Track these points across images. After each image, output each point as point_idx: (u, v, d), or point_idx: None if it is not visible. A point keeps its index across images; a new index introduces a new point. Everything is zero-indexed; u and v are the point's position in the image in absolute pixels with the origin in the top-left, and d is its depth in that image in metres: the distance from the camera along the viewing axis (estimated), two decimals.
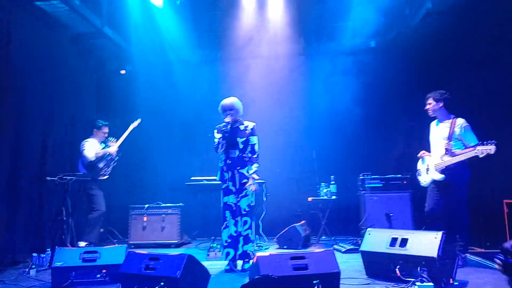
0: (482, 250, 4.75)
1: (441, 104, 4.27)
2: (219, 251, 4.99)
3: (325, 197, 5.83)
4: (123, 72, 7.09)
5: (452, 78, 5.88)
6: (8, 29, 4.72)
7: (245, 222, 4.18)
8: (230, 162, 4.17)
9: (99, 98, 6.77)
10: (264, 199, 5.76)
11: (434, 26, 5.89)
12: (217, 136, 4.19)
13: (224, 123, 4.21)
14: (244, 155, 4.19)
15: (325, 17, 6.69)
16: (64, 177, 4.92)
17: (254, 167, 4.22)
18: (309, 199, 5.88)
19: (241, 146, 4.17)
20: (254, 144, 4.23)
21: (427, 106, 4.35)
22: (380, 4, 6.29)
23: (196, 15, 6.83)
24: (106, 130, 5.59)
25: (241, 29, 6.91)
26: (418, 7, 5.90)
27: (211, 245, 5.17)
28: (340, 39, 6.81)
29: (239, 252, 4.17)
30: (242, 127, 4.26)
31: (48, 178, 4.97)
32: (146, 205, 6.01)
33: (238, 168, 4.17)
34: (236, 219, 4.17)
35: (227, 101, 4.24)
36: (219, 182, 4.36)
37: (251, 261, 4.08)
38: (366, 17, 6.44)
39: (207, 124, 6.03)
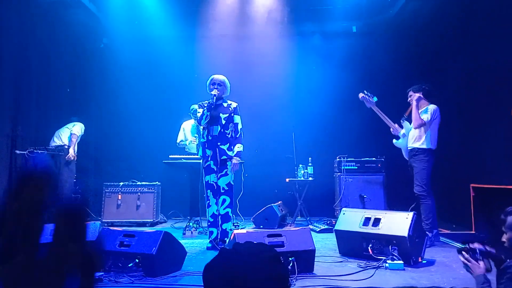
0: (449, 231, 4.97)
1: (420, 94, 4.54)
2: (195, 230, 5.06)
3: (302, 179, 5.92)
4: (102, 45, 6.98)
5: (432, 65, 6.05)
6: None
7: (224, 201, 4.21)
8: (211, 138, 4.16)
9: (74, 72, 6.63)
10: (242, 179, 5.77)
11: (415, 11, 6.00)
12: (200, 111, 4.20)
13: (208, 101, 4.22)
14: (226, 131, 4.20)
15: None
16: (34, 151, 4.85)
17: (238, 147, 4.24)
18: (287, 180, 5.95)
19: (223, 122, 4.18)
20: (237, 123, 4.26)
21: (409, 99, 4.63)
22: None
23: None
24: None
25: (223, 6, 6.86)
26: None
27: (187, 223, 5.23)
28: (322, 21, 6.86)
29: (219, 231, 4.21)
30: (225, 105, 4.27)
31: (17, 151, 4.88)
32: (121, 183, 5.97)
33: (219, 143, 4.17)
34: (216, 197, 4.21)
35: (219, 76, 4.26)
36: (198, 161, 4.37)
37: (226, 240, 4.15)
38: (349, 1, 6.52)
39: (184, 102, 6.11)
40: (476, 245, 2.14)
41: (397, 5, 6.27)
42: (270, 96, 6.94)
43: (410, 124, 4.62)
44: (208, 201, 4.21)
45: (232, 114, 4.25)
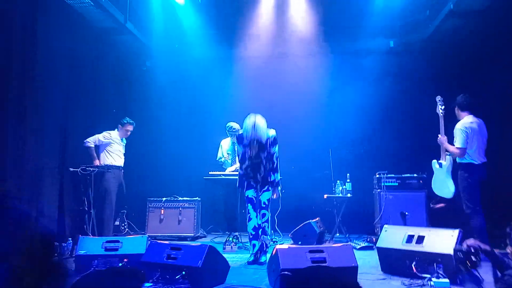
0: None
1: (456, 108, 4.63)
2: (235, 245, 5.15)
3: (340, 195, 5.92)
4: (144, 68, 7.31)
5: (472, 80, 5.96)
6: (33, 23, 4.83)
7: (263, 215, 4.32)
8: (252, 167, 4.32)
9: (119, 93, 6.98)
10: (280, 195, 5.77)
11: (455, 27, 5.96)
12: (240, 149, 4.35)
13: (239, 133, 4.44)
14: (265, 162, 4.32)
15: (345, 16, 6.78)
16: (87, 169, 5.12)
17: (277, 176, 4.38)
18: (325, 196, 5.98)
19: (264, 153, 4.30)
20: (275, 152, 4.37)
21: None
22: (400, 4, 6.38)
23: (216, 12, 6.95)
24: (129, 127, 5.82)
25: (260, 27, 7.03)
26: (439, 9, 5.97)
27: (227, 238, 5.33)
28: (358, 38, 6.90)
29: (259, 243, 4.32)
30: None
31: (71, 169, 5.17)
32: (164, 198, 6.18)
33: (260, 171, 4.34)
34: (257, 211, 4.34)
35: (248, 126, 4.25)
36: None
37: (268, 255, 4.20)
38: (386, 17, 6.55)
39: (222, 120, 6.26)
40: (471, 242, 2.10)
41: (434, 23, 6.24)
42: (306, 113, 7.01)
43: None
44: (248, 215, 4.33)
45: (272, 146, 4.33)
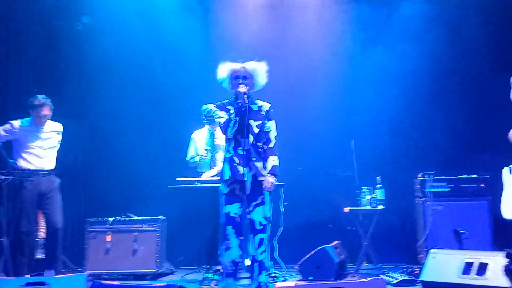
0: None
1: None
2: (216, 285, 5.12)
3: (368, 207, 5.88)
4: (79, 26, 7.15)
5: None
6: None
7: (261, 242, 4.28)
8: (243, 153, 4.26)
9: (42, 65, 6.87)
10: (282, 209, 5.81)
11: None
12: (221, 114, 4.32)
13: (228, 100, 4.38)
14: (259, 144, 4.34)
15: None
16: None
17: (272, 160, 4.35)
18: (346, 209, 5.95)
19: (256, 130, 4.32)
20: (271, 131, 4.41)
21: None
22: None
23: None
24: (41, 109, 5.61)
25: None
26: None
27: (204, 275, 5.26)
28: None
29: (255, 286, 4.28)
30: (255, 107, 4.39)
31: None
32: (111, 219, 6.10)
33: (254, 160, 4.30)
34: (241, 238, 4.29)
35: (245, 64, 4.35)
36: (218, 184, 4.44)
37: None
38: None
39: (197, 102, 6.21)
40: None
41: None
42: (318, 89, 6.95)
43: None
44: (227, 241, 4.26)
45: (265, 121, 4.36)
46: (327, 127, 6.89)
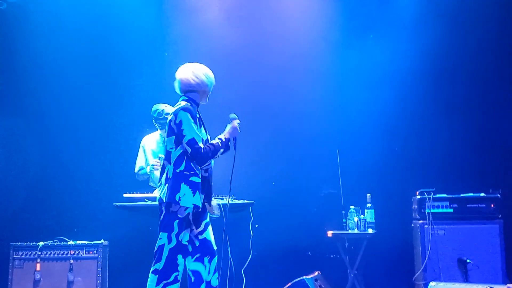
0: None
1: None
2: None
3: (355, 231, 5.92)
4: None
5: None
6: None
7: (210, 261, 4.42)
8: (207, 174, 4.42)
9: None
10: (251, 233, 5.83)
11: None
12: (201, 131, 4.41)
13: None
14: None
15: None
16: None
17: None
18: (329, 233, 5.95)
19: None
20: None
21: None
22: None
23: None
24: None
25: None
26: None
27: None
28: None
29: None
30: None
31: None
32: (41, 243, 5.98)
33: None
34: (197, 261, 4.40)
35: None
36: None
37: None
38: None
39: (148, 102, 6.14)
40: None
41: None
42: (295, 90, 6.98)
43: None
44: (175, 273, 4.22)
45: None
46: (307, 133, 6.90)
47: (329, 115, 6.91)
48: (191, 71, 4.40)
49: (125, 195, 5.70)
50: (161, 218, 4.24)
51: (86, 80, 7.03)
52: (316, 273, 5.71)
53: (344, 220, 6.06)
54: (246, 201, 5.62)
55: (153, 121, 5.90)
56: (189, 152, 4.19)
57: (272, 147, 6.67)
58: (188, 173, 4.23)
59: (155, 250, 4.21)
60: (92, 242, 6.04)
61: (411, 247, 6.02)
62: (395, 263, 6.32)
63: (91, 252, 6.00)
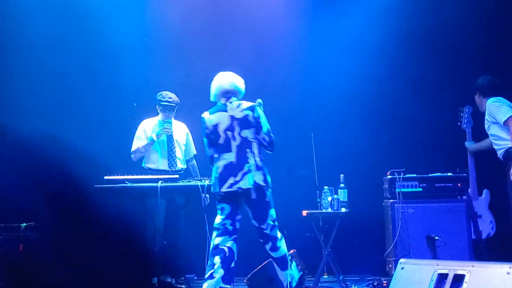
0: None
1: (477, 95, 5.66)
2: None
3: (329, 210, 5.90)
4: None
5: None
6: None
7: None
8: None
9: None
10: None
11: None
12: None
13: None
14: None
15: None
16: None
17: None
18: (303, 213, 5.92)
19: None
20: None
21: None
22: None
23: None
24: None
25: None
26: None
27: None
28: None
29: None
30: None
31: None
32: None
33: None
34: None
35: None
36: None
37: None
38: None
39: (136, 85, 6.34)
40: None
41: None
42: (269, 73, 7.00)
43: None
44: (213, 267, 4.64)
45: None
46: (281, 116, 6.82)
47: (304, 99, 6.99)
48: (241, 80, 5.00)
49: (106, 177, 5.57)
50: (266, 199, 4.88)
51: (70, 65, 6.95)
52: (291, 251, 5.69)
53: (318, 200, 6.06)
54: None
55: (158, 104, 5.97)
56: (267, 141, 4.81)
57: None
58: (262, 160, 4.81)
59: (275, 222, 5.03)
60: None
61: (382, 225, 6.12)
62: (367, 240, 6.41)
63: None
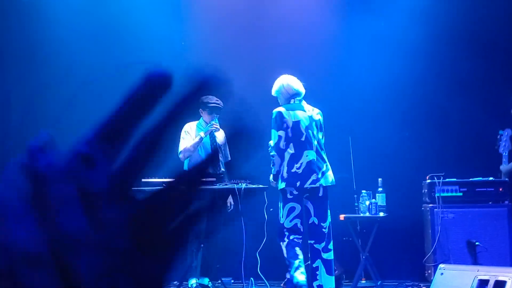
0: None
1: None
2: None
3: (367, 214, 5.91)
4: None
5: None
6: None
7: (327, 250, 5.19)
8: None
9: None
10: (265, 217, 5.74)
11: None
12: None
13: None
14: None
15: None
16: None
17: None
18: (341, 217, 5.93)
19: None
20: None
21: None
22: None
23: None
24: None
25: None
26: None
27: None
28: None
29: None
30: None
31: None
32: None
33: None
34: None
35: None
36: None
37: None
38: None
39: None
40: None
41: None
42: (310, 77, 6.76)
43: None
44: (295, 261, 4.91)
45: None
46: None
47: (341, 102, 6.92)
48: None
49: (143, 180, 5.73)
50: (328, 199, 5.16)
51: (108, 71, 6.90)
52: None
53: (356, 204, 6.07)
54: (261, 186, 5.66)
55: (202, 109, 5.91)
56: (322, 148, 5.13)
57: None
58: None
59: (328, 225, 5.15)
60: None
61: (421, 230, 6.07)
62: (405, 245, 6.39)
63: None
